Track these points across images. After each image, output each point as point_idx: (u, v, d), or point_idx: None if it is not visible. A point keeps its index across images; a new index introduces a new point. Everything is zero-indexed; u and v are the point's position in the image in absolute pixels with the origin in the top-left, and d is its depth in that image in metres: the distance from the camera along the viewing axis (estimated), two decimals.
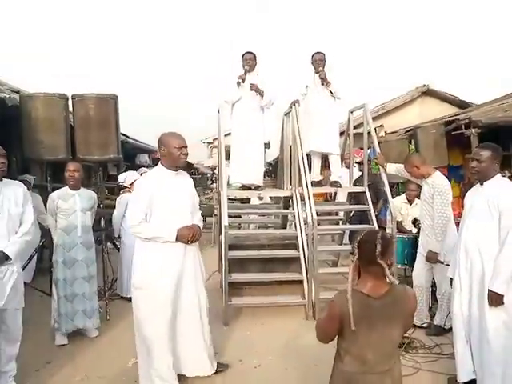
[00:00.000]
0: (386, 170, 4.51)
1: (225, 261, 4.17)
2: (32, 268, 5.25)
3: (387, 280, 1.88)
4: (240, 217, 8.43)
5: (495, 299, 2.52)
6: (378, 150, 4.80)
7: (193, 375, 2.97)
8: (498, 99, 8.16)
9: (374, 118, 10.70)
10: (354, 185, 5.74)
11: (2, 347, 2.75)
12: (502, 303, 2.53)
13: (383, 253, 1.78)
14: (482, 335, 2.59)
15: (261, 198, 9.17)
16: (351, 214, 6.54)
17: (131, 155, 10.50)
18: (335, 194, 6.80)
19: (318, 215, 5.02)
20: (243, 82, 5.02)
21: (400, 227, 5.36)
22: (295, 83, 5.56)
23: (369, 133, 5.21)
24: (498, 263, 2.53)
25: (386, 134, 9.73)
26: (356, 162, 6.87)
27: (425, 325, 3.87)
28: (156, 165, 2.99)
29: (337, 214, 6.49)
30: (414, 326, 3.93)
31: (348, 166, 5.87)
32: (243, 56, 5.09)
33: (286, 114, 5.34)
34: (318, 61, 5.29)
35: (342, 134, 6.12)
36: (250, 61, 5.07)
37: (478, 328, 2.63)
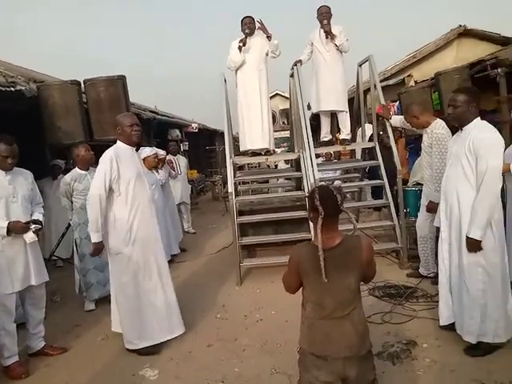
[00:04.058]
0: (391, 124, 4.40)
1: (233, 225, 4.36)
2: (70, 244, 5.75)
3: (340, 232, 1.98)
4: (268, 182, 8.58)
5: (473, 245, 2.51)
6: (382, 101, 4.65)
7: (173, 336, 3.21)
8: None
9: (404, 68, 10.27)
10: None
11: (31, 313, 3.15)
12: (480, 249, 2.50)
13: (343, 201, 1.88)
14: (461, 281, 2.60)
15: (287, 162, 9.24)
16: (367, 170, 6.43)
17: (162, 130, 10.78)
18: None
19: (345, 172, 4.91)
20: (244, 45, 5.01)
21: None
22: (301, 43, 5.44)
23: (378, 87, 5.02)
24: (474, 209, 2.49)
25: (417, 83, 9.23)
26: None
27: (431, 274, 3.87)
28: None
29: (359, 172, 6.40)
30: (421, 275, 3.97)
31: (370, 122, 5.72)
32: (242, 21, 5.04)
33: (291, 76, 5.28)
34: (324, 13, 5.11)
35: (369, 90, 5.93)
36: (249, 24, 5.02)
37: (457, 274, 2.64)
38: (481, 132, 2.53)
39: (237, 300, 4.00)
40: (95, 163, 4.24)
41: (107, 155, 3.02)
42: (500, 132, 3.28)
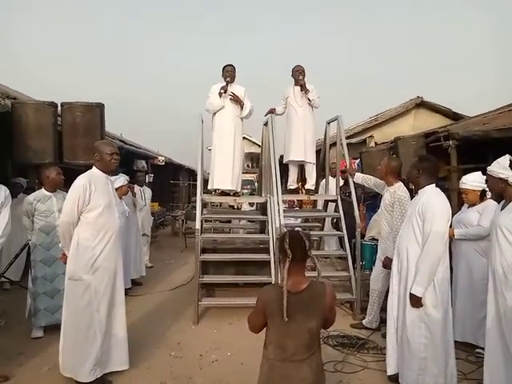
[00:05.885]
0: (353, 180, 4.73)
1: (196, 262, 4.39)
2: (21, 267, 5.51)
3: (307, 276, 2.10)
4: (230, 222, 8.65)
5: (414, 301, 2.73)
6: (347, 160, 5.00)
7: (116, 369, 3.13)
8: (487, 113, 8.28)
9: (367, 129, 11.02)
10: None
11: None
12: (422, 305, 2.71)
13: (310, 247, 2.01)
14: (404, 333, 2.79)
15: (252, 205, 9.42)
16: (335, 220, 6.73)
17: (129, 161, 10.75)
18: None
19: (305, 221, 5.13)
20: (225, 92, 5.28)
21: None
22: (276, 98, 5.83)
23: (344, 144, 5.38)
24: (418, 267, 2.74)
25: (377, 144, 9.90)
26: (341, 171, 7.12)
27: (374, 326, 4.06)
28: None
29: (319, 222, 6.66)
30: (366, 327, 4.15)
31: (334, 175, 6.07)
32: (224, 68, 5.36)
33: (265, 124, 5.58)
34: (300, 71, 5.58)
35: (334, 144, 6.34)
36: (231, 72, 5.33)
37: (401, 327, 2.84)
38: (430, 197, 2.83)
39: (192, 339, 3.96)
40: (63, 186, 4.22)
41: (80, 182, 2.99)
42: (449, 198, 3.64)
